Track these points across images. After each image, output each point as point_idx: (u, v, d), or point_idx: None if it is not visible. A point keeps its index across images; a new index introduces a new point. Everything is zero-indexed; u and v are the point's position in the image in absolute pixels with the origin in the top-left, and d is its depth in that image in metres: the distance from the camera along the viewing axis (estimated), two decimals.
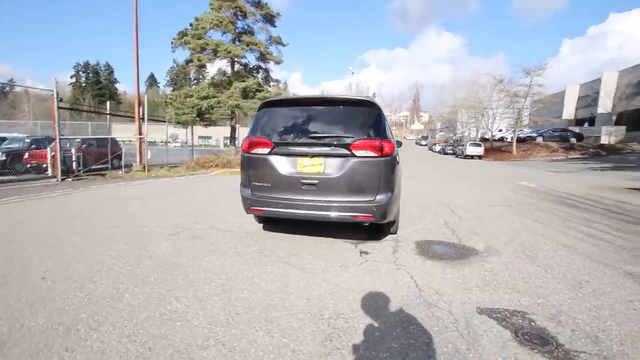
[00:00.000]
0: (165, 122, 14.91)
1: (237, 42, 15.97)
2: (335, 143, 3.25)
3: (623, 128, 28.77)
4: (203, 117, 14.95)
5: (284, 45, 17.71)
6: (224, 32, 15.63)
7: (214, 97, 14.60)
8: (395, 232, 3.97)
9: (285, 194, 3.35)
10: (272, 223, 4.25)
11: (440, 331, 1.97)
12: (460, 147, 31.44)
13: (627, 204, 6.36)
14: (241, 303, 2.25)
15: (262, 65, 17.54)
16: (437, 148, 43.02)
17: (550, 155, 24.66)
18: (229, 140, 19.26)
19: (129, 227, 4.19)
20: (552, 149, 25.73)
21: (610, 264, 3.13)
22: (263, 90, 15.61)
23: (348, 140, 3.22)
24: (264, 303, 2.25)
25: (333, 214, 3.23)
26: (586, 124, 33.31)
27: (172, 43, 15.38)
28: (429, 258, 3.24)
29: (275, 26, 17.62)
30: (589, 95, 35.03)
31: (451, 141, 46.27)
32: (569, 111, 38.96)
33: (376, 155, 3.19)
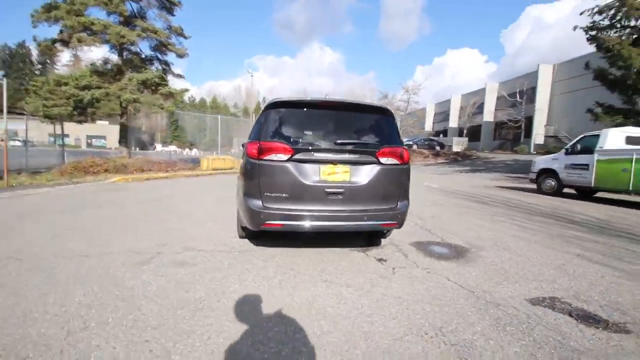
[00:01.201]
0: (22, 114, 11.28)
1: (127, 27, 13.44)
2: (363, 150, 3.12)
3: (466, 139, 37.30)
4: (84, 111, 11.93)
5: (185, 38, 15.87)
6: (111, 13, 12.91)
7: (99, 87, 11.84)
8: (387, 236, 4.07)
9: (308, 205, 3.01)
10: (259, 237, 3.74)
11: (531, 326, 2.12)
12: None
13: (512, 199, 8.21)
14: (341, 340, 1.90)
15: (160, 56, 15.28)
16: None
17: (424, 160, 29.65)
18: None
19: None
20: (425, 155, 30.99)
21: (559, 248, 3.98)
22: (166, 85, 13.57)
23: (374, 147, 3.14)
24: (357, 333, 1.97)
25: (361, 224, 3.08)
26: (441, 135, 42.01)
27: (32, 16, 11.74)
28: (438, 258, 3.44)
29: (174, 15, 15.65)
30: (443, 112, 44.46)
31: None
32: (429, 124, 48.43)
33: (398, 162, 3.21)
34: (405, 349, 1.81)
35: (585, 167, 8.98)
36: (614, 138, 8.66)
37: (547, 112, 34.93)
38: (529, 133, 35.79)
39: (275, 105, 3.16)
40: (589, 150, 9.03)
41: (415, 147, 33.03)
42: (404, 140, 36.47)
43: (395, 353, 1.77)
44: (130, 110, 13.35)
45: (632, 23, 13.46)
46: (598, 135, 8.92)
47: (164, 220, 4.70)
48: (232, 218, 4.90)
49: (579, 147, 9.44)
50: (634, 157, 7.80)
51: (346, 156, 3.07)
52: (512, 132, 37.77)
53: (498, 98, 40.20)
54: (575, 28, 15.43)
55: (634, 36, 12.92)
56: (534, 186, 11.01)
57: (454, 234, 4.44)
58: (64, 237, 3.68)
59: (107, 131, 60.35)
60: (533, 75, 34.96)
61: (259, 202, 2.99)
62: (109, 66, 13.51)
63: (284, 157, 2.97)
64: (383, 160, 3.14)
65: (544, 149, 33.09)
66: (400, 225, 3.25)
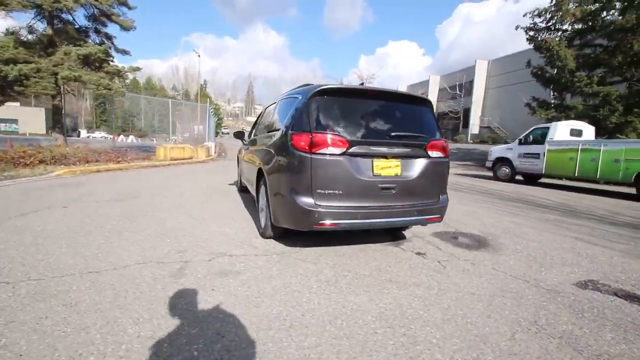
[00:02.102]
0: None
1: None
2: (414, 143, 3.01)
3: None
4: (7, 90, 9.80)
5: (130, 8, 13.95)
6: None
7: (27, 62, 9.85)
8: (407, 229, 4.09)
9: (362, 201, 2.84)
10: (286, 237, 3.47)
11: (600, 310, 2.26)
12: None
13: (476, 186, 8.89)
14: (468, 346, 1.81)
15: (99, 27, 13.22)
16: None
17: None
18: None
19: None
20: None
21: (556, 232, 4.37)
22: (112, 62, 11.82)
23: (424, 141, 3.06)
24: (474, 338, 1.90)
25: (411, 219, 3.01)
26: None
27: None
28: (468, 249, 3.54)
29: None
30: None
31: None
32: None
33: (442, 156, 3.18)
34: (527, 349, 1.79)
35: (536, 156, 10.05)
36: (561, 130, 9.79)
37: (482, 105, 38.43)
38: (467, 123, 39.13)
39: (324, 92, 2.88)
40: (539, 141, 10.10)
41: None
42: None
43: (525, 355, 1.74)
44: (67, 91, 11.42)
45: (565, 27, 15.24)
46: (548, 128, 10.01)
47: (160, 220, 4.11)
48: (235, 216, 4.50)
49: (531, 138, 10.51)
50: (580, 147, 8.91)
51: (399, 150, 2.94)
52: (452, 123, 40.96)
53: (440, 90, 43.16)
54: (517, 28, 16.99)
55: (567, 39, 14.61)
56: (489, 173, 12.05)
57: (465, 224, 4.61)
58: (48, 248, 3.00)
59: (18, 113, 51.74)
60: (471, 70, 38.04)
61: (310, 200, 2.73)
62: (36, 36, 11.35)
63: (339, 150, 2.74)
64: (431, 153, 3.08)
65: (479, 139, 36.58)
66: (442, 219, 3.25)
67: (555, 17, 14.88)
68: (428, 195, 3.13)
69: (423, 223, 3.22)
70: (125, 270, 2.59)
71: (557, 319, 2.13)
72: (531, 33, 16.48)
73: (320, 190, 2.74)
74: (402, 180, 2.94)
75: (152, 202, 5.23)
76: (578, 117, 13.36)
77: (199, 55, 29.72)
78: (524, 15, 15.89)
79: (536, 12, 15.47)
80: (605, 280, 2.84)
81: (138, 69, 13.44)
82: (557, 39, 14.59)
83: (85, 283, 2.34)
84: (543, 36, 16.05)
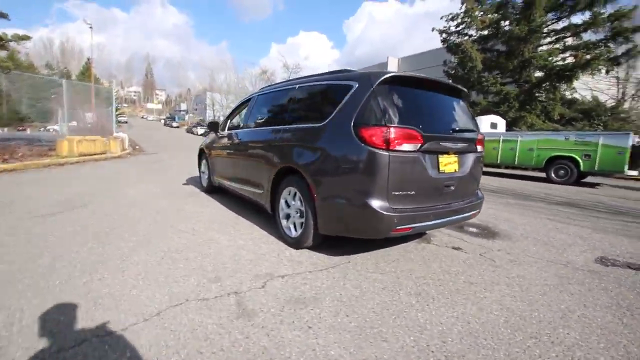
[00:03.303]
0: None
1: None
2: (469, 137, 2.92)
3: None
4: None
5: None
6: None
7: None
8: None
9: (432, 201, 2.64)
10: (321, 246, 3.06)
11: (636, 282, 2.57)
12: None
13: None
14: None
15: None
16: (201, 131, 41.71)
17: None
18: None
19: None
20: None
21: (537, 217, 4.95)
22: None
23: (475, 135, 3.00)
24: (594, 337, 1.90)
25: (465, 216, 2.95)
26: None
27: None
28: (492, 238, 3.70)
29: None
30: None
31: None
32: None
33: (482, 150, 3.19)
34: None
35: None
36: (484, 123, 11.24)
37: None
38: None
39: (391, 80, 2.53)
40: None
41: None
42: None
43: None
44: None
45: (471, 32, 17.49)
46: None
47: (146, 239, 3.18)
48: (234, 223, 3.84)
49: None
50: (501, 138, 10.36)
51: (459, 145, 2.82)
52: None
53: None
54: (433, 29, 18.81)
55: (473, 42, 16.79)
56: None
57: None
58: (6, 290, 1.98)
59: None
60: (384, 66, 40.95)
61: (385, 204, 2.40)
62: None
63: (415, 146, 2.46)
64: (479, 148, 3.05)
65: None
66: (479, 213, 3.29)
67: (465, 23, 16.97)
68: (473, 191, 3.11)
69: (468, 219, 3.20)
70: (161, 320, 1.86)
71: (623, 294, 2.32)
72: (444, 35, 18.47)
73: (395, 192, 2.43)
74: (459, 177, 2.84)
75: (112, 212, 4.05)
76: (482, 112, 15.59)
77: (90, 27, 24.75)
78: (441, 18, 17.70)
79: (450, 17, 17.39)
80: (613, 256, 3.28)
81: (27, 37, 10.22)
82: (472, 42, 16.67)
83: (123, 355, 1.59)
84: (454, 39, 18.17)
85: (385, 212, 2.37)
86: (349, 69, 3.08)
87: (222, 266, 2.62)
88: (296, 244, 3.02)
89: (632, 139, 8.50)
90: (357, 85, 2.62)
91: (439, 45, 22.79)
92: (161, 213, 4.16)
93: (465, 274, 2.65)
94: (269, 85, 4.15)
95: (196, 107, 70.68)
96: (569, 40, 15.83)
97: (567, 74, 14.33)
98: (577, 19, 15.46)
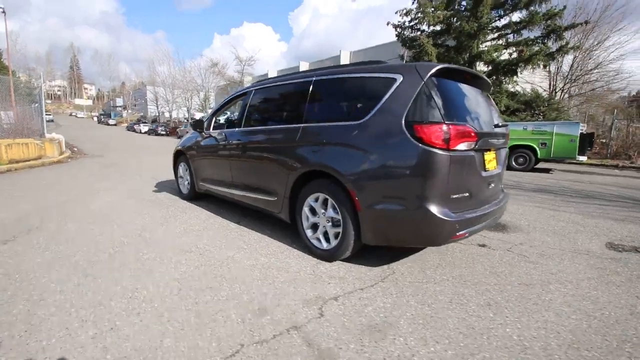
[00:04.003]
0: None
1: None
2: (505, 132, 2.82)
3: None
4: None
5: None
6: None
7: None
8: None
9: (481, 202, 2.51)
10: (356, 256, 2.79)
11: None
12: (182, 129, 30.30)
13: None
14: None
15: None
16: (145, 129, 38.28)
17: None
18: None
19: None
20: None
21: (520, 204, 5.16)
22: None
23: (507, 130, 2.91)
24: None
25: (499, 215, 2.86)
26: None
27: None
28: (508, 233, 3.73)
29: None
30: None
31: (163, 121, 42.61)
32: None
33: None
34: None
35: None
36: None
37: None
38: None
39: (442, 72, 2.30)
40: None
41: None
42: None
43: None
44: None
45: (424, 27, 18.13)
46: None
47: (148, 267, 2.61)
48: (242, 236, 3.41)
49: None
50: None
51: (499, 141, 2.70)
52: None
53: None
54: (388, 24, 19.15)
55: (429, 37, 17.42)
56: None
57: None
58: None
59: None
60: (337, 59, 41.19)
61: (445, 209, 2.20)
62: None
63: (471, 145, 2.28)
64: (507, 143, 2.99)
65: None
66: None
67: (419, 18, 17.52)
68: (501, 188, 3.05)
69: (499, 218, 3.13)
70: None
71: None
72: (399, 30, 18.93)
73: (454, 195, 2.24)
74: (497, 174, 2.75)
75: (82, 233, 3.32)
76: None
77: (3, 11, 21.11)
78: (396, 12, 18.07)
79: (404, 11, 17.83)
80: (619, 241, 3.47)
81: None
82: (428, 37, 17.25)
83: None
84: (408, 34, 18.71)
85: (446, 218, 2.17)
86: (379, 60, 2.79)
87: (259, 293, 2.22)
88: (330, 256, 2.71)
89: (581, 128, 9.43)
90: (401, 78, 2.35)
91: (387, 39, 23.45)
92: (147, 229, 3.53)
93: (513, 275, 2.57)
94: (268, 79, 3.70)
95: (135, 103, 64.76)
96: (510, 37, 17.16)
97: (512, 68, 15.55)
98: (517, 17, 16.82)
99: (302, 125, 2.92)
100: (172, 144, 22.94)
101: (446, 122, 2.16)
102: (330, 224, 2.70)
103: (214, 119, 4.42)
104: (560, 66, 19.26)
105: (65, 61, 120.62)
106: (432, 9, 17.09)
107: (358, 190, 2.40)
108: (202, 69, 30.67)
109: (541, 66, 15.91)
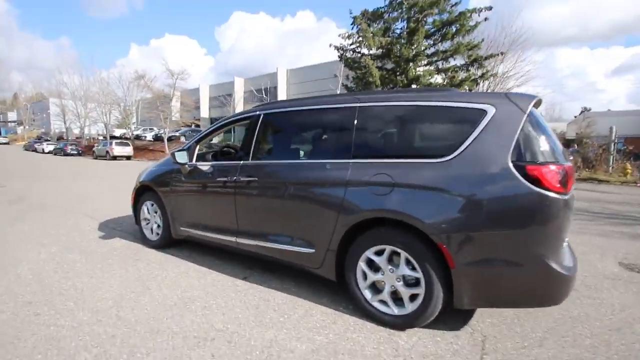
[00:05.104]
0: None
1: None
2: None
3: None
4: None
5: None
6: None
7: None
8: None
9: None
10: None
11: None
12: (100, 147, 26.33)
13: None
14: None
15: None
16: (49, 148, 32.36)
17: None
18: None
19: None
20: None
21: None
22: None
23: None
24: None
25: None
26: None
27: None
28: None
29: None
30: (219, 97, 43.16)
31: (73, 139, 36.77)
32: (205, 110, 45.63)
33: None
34: None
35: None
36: None
37: None
38: None
39: (536, 104, 2.02)
40: None
41: (183, 138, 29.82)
42: (179, 132, 32.26)
43: None
44: None
45: (364, 51, 18.99)
46: None
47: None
48: (266, 304, 2.68)
49: None
50: None
51: None
52: None
53: (245, 92, 43.83)
54: (330, 45, 19.64)
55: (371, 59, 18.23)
56: None
57: None
58: None
59: None
60: (274, 76, 40.96)
61: (565, 262, 1.90)
62: None
63: (573, 186, 2.01)
64: None
65: None
66: None
67: (360, 42, 18.29)
68: None
69: None
70: None
71: None
72: (341, 52, 19.53)
73: (565, 244, 1.93)
74: None
75: (25, 322, 2.18)
76: None
77: None
78: (339, 35, 18.62)
79: (347, 35, 18.45)
80: (625, 260, 3.62)
81: None
82: (373, 59, 17.98)
83: None
84: (349, 55, 19.41)
85: (567, 273, 1.84)
86: (451, 88, 2.44)
87: None
88: (404, 324, 2.18)
89: None
90: (493, 110, 2.00)
91: (318, 59, 24.18)
92: (124, 306, 2.52)
93: (592, 307, 2.37)
94: (280, 102, 3.07)
95: (34, 118, 55.07)
96: (440, 64, 18.98)
97: None
98: (444, 46, 18.72)
99: (352, 161, 2.38)
100: (92, 166, 19.64)
101: (559, 162, 1.87)
102: (401, 282, 2.18)
103: (197, 148, 3.56)
104: (481, 90, 21.96)
105: None
106: (372, 34, 18.01)
107: (451, 243, 1.94)
108: (125, 81, 27.37)
109: (467, 90, 17.82)
